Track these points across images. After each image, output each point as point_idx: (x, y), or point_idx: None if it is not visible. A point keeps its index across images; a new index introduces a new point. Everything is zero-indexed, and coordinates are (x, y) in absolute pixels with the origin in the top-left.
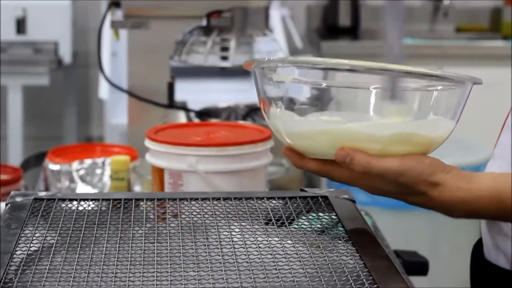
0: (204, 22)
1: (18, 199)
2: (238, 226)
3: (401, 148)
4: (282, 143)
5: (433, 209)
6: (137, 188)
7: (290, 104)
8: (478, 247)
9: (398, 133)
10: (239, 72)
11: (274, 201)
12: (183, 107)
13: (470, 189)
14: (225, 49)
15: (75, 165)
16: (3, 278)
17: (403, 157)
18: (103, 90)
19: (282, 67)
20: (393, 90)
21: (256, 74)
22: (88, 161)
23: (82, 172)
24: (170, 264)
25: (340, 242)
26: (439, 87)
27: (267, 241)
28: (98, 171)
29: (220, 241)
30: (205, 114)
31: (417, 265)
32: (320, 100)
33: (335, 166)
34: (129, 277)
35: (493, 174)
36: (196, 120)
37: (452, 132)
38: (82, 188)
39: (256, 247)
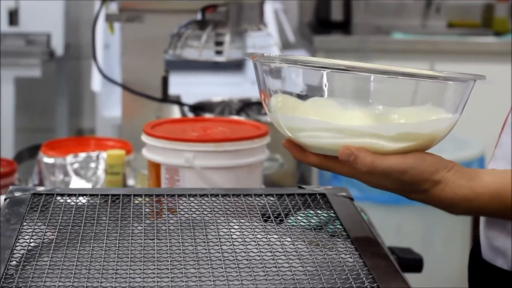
0: (199, 16)
1: (17, 194)
2: (237, 223)
3: (405, 144)
4: (277, 138)
5: (434, 205)
6: (131, 182)
7: (290, 94)
8: (476, 247)
9: (404, 133)
10: (233, 66)
11: (272, 198)
12: (177, 101)
13: (471, 187)
14: (219, 43)
15: (70, 158)
16: (4, 273)
17: (406, 156)
18: (96, 83)
19: (280, 63)
20: None
21: (257, 65)
22: (82, 155)
23: (76, 165)
24: (170, 261)
25: (339, 240)
26: (441, 82)
27: (266, 238)
28: (93, 164)
29: (219, 238)
30: (199, 108)
31: (411, 262)
32: (320, 88)
33: (337, 162)
34: (130, 273)
35: (494, 171)
36: (190, 114)
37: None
38: (76, 182)
39: (256, 244)
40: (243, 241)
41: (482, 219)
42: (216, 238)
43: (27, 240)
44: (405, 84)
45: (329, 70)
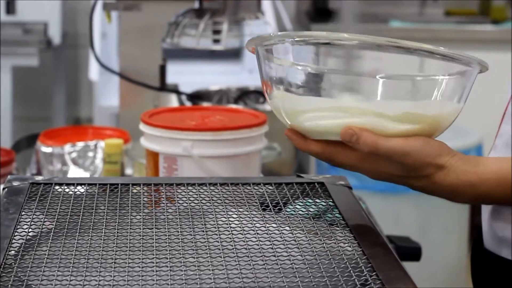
0: (196, 5)
1: (15, 183)
2: (236, 212)
3: (408, 127)
4: (275, 127)
5: (437, 193)
6: (129, 171)
7: (291, 86)
8: (478, 237)
9: (409, 112)
10: (231, 55)
11: (270, 187)
12: (175, 90)
13: (477, 172)
14: (217, 32)
15: (68, 147)
16: (3, 263)
17: (409, 138)
18: (93, 72)
19: (283, 42)
20: None
21: (259, 55)
22: (80, 144)
23: (74, 155)
24: (169, 250)
25: (337, 228)
26: (446, 76)
27: (265, 227)
28: (91, 154)
29: (218, 227)
30: (196, 97)
31: (410, 250)
32: (321, 83)
33: (339, 148)
34: (129, 263)
35: (499, 158)
36: (188, 103)
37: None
38: (74, 171)
39: (254, 233)
40: (241, 230)
41: (486, 210)
42: (215, 227)
43: (26, 230)
44: (411, 61)
45: (330, 44)
